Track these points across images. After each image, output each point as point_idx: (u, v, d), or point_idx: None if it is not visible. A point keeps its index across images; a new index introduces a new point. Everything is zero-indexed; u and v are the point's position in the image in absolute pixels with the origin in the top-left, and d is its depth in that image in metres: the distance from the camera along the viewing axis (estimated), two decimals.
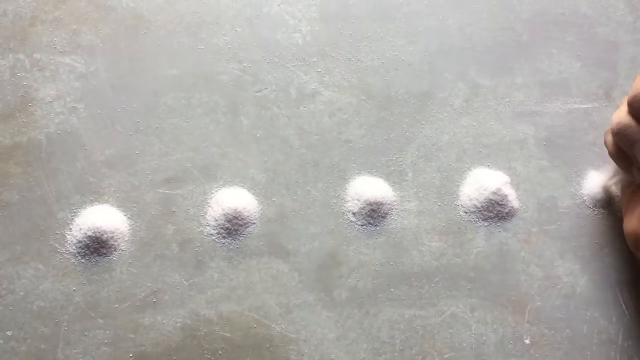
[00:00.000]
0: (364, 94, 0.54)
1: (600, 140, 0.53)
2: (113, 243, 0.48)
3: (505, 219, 0.51)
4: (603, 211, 0.51)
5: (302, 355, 0.46)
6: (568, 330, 0.48)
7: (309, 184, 0.51)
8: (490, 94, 0.55)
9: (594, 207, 0.51)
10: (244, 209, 0.49)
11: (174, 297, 0.47)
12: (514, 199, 0.51)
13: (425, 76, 0.55)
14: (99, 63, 0.53)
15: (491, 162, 0.53)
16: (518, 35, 0.56)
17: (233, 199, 0.49)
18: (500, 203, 0.50)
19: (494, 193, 0.50)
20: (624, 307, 0.48)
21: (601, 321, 0.48)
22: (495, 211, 0.51)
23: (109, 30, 0.54)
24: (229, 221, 0.49)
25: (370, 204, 0.50)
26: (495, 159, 0.53)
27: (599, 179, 0.52)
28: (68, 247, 0.48)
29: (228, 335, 0.47)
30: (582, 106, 0.55)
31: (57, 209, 0.49)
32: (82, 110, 0.52)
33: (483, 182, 0.51)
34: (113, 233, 0.48)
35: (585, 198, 0.51)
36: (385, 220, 0.50)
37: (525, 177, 0.52)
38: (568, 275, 0.49)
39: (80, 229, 0.48)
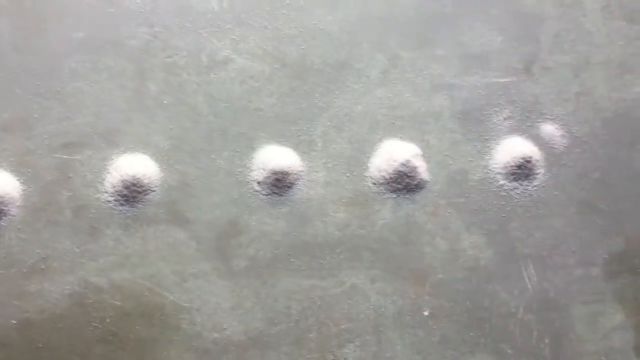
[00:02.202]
0: (278, 62, 0.53)
1: (516, 114, 0.53)
2: (2, 208, 0.46)
3: (414, 191, 0.50)
4: (513, 185, 0.50)
5: (194, 324, 0.45)
6: (468, 303, 0.47)
7: (215, 152, 0.50)
8: (408, 66, 0.54)
9: (504, 180, 0.50)
10: (143, 175, 0.48)
11: (63, 264, 0.46)
12: (423, 171, 0.50)
13: (343, 46, 0.54)
14: (3, 22, 0.51)
15: (404, 134, 0.52)
16: (442, 5, 0.55)
17: (133, 165, 0.48)
18: (409, 175, 0.50)
19: (403, 164, 0.49)
20: (527, 281, 0.48)
21: (502, 294, 0.47)
22: (403, 183, 0.50)
23: None
24: (127, 187, 0.47)
25: (275, 173, 0.49)
26: (408, 131, 0.52)
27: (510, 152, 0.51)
28: None
29: (118, 303, 0.45)
30: (501, 80, 0.54)
31: None
32: None
33: (393, 153, 0.50)
34: (3, 197, 0.46)
35: (496, 172, 0.51)
36: (291, 190, 0.49)
37: (438, 150, 0.51)
38: (473, 248, 0.49)
39: None
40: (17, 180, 0.47)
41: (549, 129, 0.53)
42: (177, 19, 0.53)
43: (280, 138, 0.51)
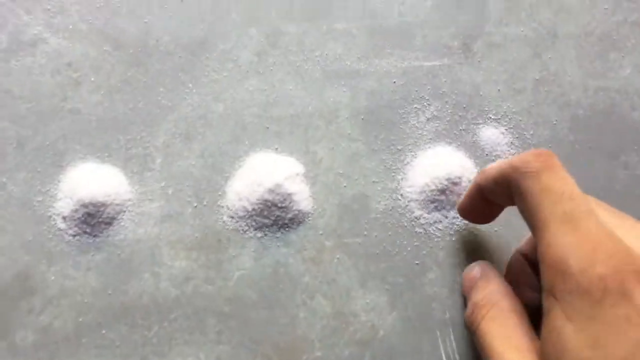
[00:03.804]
0: (109, 41, 0.38)
1: (445, 112, 0.37)
2: None
3: (288, 227, 0.35)
4: (434, 217, 0.35)
5: None
6: None
7: (5, 173, 0.35)
8: (294, 45, 0.38)
9: (421, 210, 0.35)
10: None
11: None
12: (304, 198, 0.35)
13: (203, 18, 0.38)
14: None
15: (281, 144, 0.36)
16: None
17: None
18: (281, 205, 0.35)
19: (271, 190, 0.34)
20: (445, 359, 0.33)
21: None
22: (272, 216, 0.35)
23: None
24: None
25: (86, 205, 0.34)
26: (287, 139, 0.37)
27: (431, 170, 0.36)
28: None
29: None
30: (426, 64, 0.38)
31: None
32: None
33: (259, 173, 0.35)
34: None
35: (410, 198, 0.35)
36: (111, 227, 0.35)
37: (328, 166, 0.36)
38: (369, 311, 0.34)
39: None
40: None
41: (492, 134, 0.37)
42: None
43: (103, 152, 0.36)
